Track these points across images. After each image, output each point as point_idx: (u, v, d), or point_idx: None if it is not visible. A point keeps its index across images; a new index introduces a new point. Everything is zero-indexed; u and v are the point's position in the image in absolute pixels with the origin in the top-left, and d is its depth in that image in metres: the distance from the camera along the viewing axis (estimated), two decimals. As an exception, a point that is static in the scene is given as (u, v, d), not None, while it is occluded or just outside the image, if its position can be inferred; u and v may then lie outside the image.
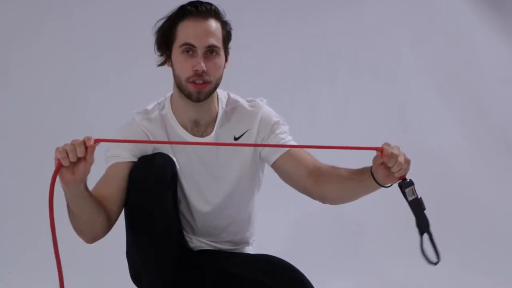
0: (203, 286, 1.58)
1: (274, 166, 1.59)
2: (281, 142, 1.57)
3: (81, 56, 3.10)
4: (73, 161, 1.23)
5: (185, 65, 1.47)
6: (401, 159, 1.29)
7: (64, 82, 3.05)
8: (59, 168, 1.24)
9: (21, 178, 2.77)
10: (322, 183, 1.50)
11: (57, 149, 1.24)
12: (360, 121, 3.56)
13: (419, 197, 1.33)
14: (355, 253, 2.78)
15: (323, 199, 1.54)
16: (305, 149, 1.58)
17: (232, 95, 1.64)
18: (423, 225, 1.33)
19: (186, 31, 1.46)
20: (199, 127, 1.57)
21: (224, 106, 1.61)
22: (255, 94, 1.69)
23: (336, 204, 1.56)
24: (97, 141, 1.25)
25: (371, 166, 1.37)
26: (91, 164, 1.25)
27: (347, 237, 2.92)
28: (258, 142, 1.59)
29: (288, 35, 3.63)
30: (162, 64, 1.56)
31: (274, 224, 2.77)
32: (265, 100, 1.65)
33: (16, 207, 2.67)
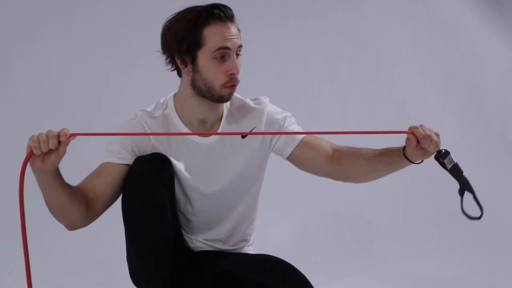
0: (203, 287, 1.57)
1: (291, 157, 1.61)
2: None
3: (81, 56, 3.09)
4: (44, 152, 1.25)
5: (219, 71, 1.47)
6: (433, 137, 1.36)
7: (64, 82, 3.05)
8: (30, 156, 1.27)
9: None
10: (346, 166, 1.54)
11: (31, 137, 1.26)
12: (360, 121, 3.56)
13: (455, 162, 1.41)
14: (355, 254, 2.78)
15: (348, 179, 1.59)
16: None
17: (235, 94, 1.64)
18: (466, 186, 1.41)
19: (219, 35, 1.46)
20: (205, 126, 1.58)
21: (228, 105, 1.62)
22: (255, 94, 1.70)
23: (361, 182, 1.61)
24: (73, 135, 1.26)
25: (402, 148, 1.43)
26: (62, 156, 1.28)
27: (347, 237, 2.93)
28: (267, 139, 1.61)
29: (289, 36, 3.63)
30: (176, 69, 1.54)
31: (275, 224, 2.77)
32: (268, 98, 1.66)
33: (16, 207, 2.66)
